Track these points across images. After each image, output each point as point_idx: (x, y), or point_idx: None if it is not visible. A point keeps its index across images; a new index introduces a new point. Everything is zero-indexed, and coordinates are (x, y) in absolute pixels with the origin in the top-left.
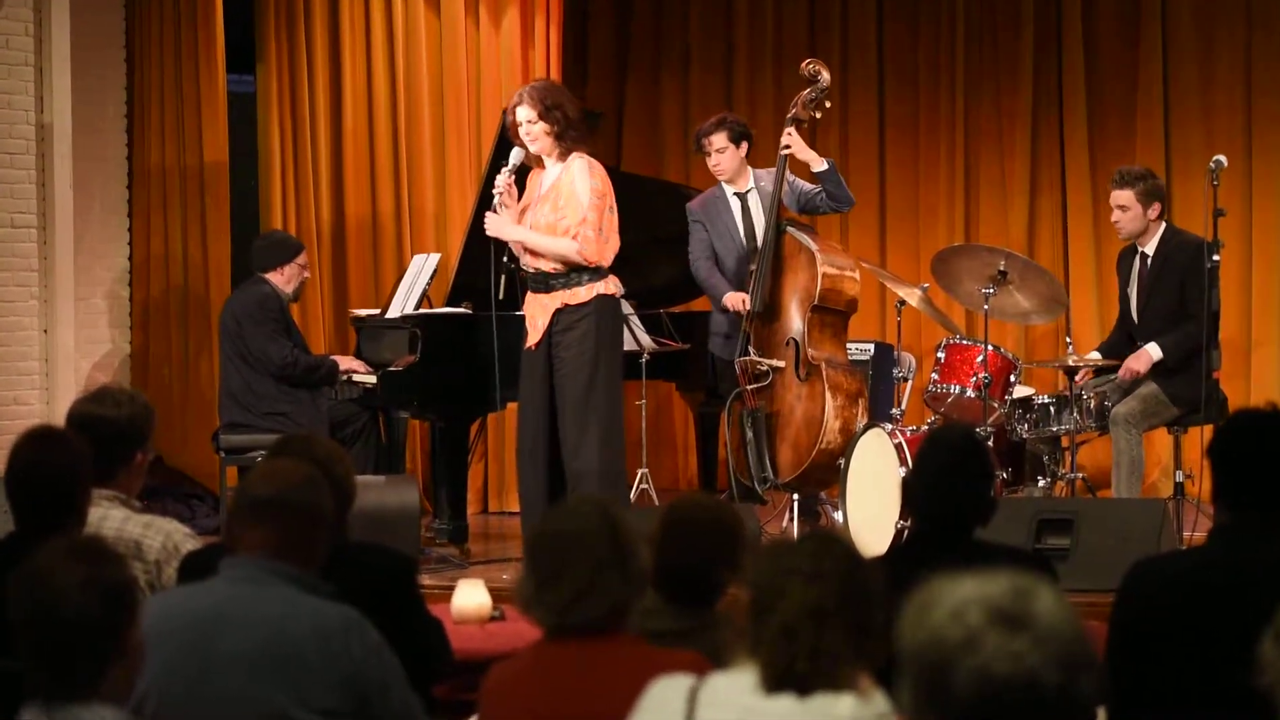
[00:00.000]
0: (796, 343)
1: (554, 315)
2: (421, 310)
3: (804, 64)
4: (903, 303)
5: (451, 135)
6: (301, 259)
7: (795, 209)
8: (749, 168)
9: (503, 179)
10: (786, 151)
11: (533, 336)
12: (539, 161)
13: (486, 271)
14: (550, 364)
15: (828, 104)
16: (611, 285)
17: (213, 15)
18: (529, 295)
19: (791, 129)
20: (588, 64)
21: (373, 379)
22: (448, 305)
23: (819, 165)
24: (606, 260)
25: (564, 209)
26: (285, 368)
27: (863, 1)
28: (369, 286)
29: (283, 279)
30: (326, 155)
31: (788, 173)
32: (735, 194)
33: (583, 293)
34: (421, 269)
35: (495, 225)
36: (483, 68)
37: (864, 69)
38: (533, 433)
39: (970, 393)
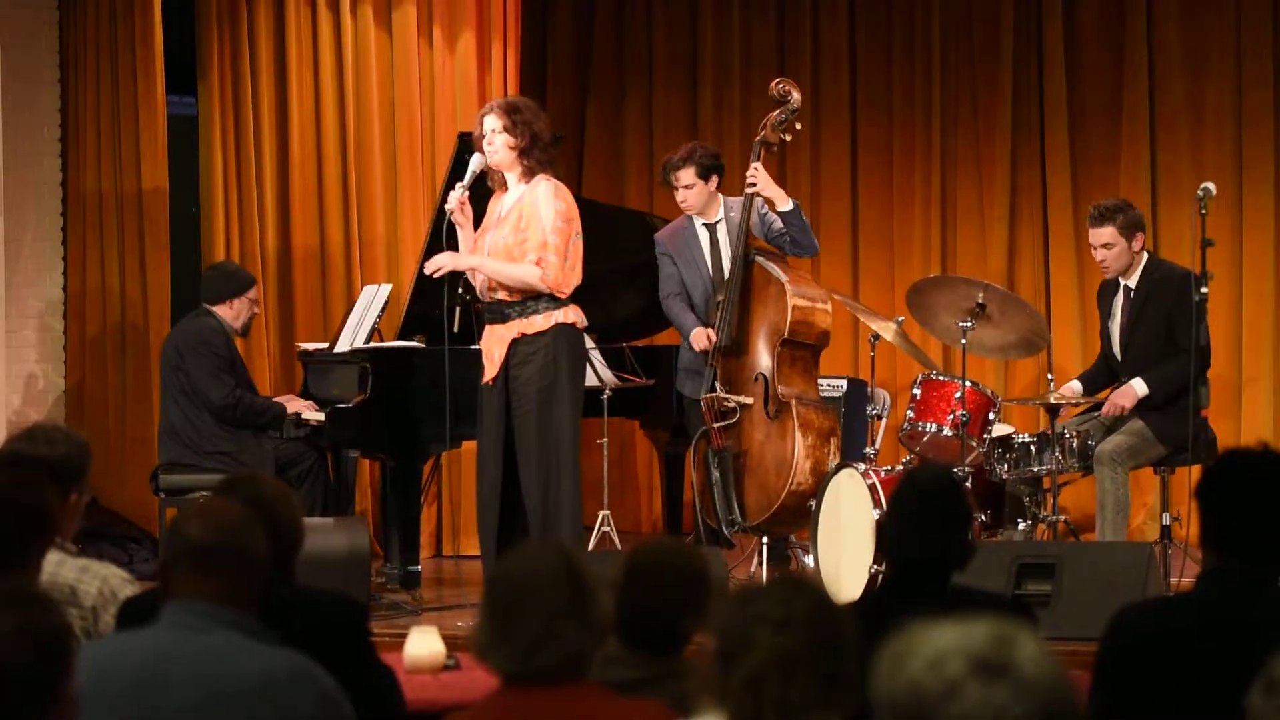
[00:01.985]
0: (765, 378)
1: (510, 346)
2: (372, 344)
3: (773, 84)
4: (877, 337)
5: (404, 160)
6: (253, 293)
7: (763, 240)
8: (720, 197)
9: (456, 194)
10: (753, 190)
11: (489, 371)
12: (501, 184)
13: (440, 303)
14: (508, 399)
15: (798, 126)
16: (572, 314)
17: (151, 34)
18: (486, 329)
19: (758, 164)
20: (547, 86)
21: (320, 416)
22: (399, 339)
23: (784, 204)
24: (569, 287)
25: (525, 231)
26: (226, 408)
27: (834, 21)
28: (317, 319)
29: (231, 313)
30: (272, 180)
31: (759, 203)
32: (704, 224)
33: (540, 321)
34: (372, 301)
35: (445, 258)
36: (436, 90)
37: (835, 91)
38: (491, 472)
39: (947, 431)
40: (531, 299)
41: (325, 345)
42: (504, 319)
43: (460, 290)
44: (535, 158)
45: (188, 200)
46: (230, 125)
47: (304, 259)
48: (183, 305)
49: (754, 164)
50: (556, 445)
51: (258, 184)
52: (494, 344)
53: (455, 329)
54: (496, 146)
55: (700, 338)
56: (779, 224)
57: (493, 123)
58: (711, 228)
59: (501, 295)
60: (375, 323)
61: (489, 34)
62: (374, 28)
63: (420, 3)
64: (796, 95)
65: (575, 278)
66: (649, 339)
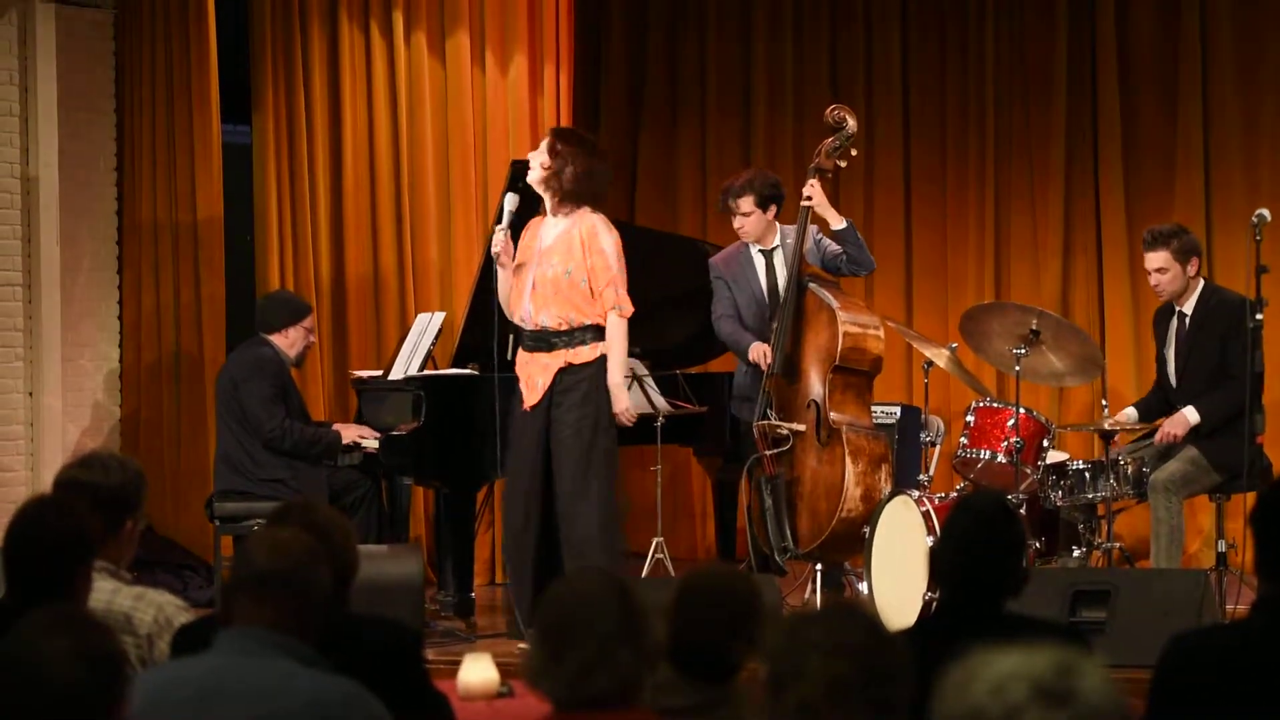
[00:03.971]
0: (817, 405)
1: (556, 375)
2: (426, 372)
3: (828, 110)
4: (930, 363)
5: (457, 187)
6: (308, 322)
7: (819, 266)
8: (777, 225)
9: (499, 239)
10: (808, 204)
11: (530, 397)
12: (540, 208)
13: (493, 331)
14: (547, 425)
15: (853, 153)
16: None
17: (206, 63)
18: (523, 355)
19: (814, 179)
20: (600, 113)
21: (375, 444)
22: (453, 366)
23: (837, 223)
24: (629, 313)
25: (573, 261)
26: (273, 439)
27: (887, 49)
28: (370, 346)
29: (286, 341)
30: (326, 208)
31: (814, 230)
32: (760, 251)
33: (586, 352)
34: (425, 328)
35: (623, 414)
36: (489, 117)
37: (889, 120)
38: (525, 498)
39: (1001, 458)
40: (579, 330)
41: (379, 373)
42: (549, 347)
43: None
44: (573, 189)
45: (242, 228)
46: (285, 153)
47: (357, 286)
48: (238, 334)
49: (810, 182)
50: (590, 472)
51: (311, 212)
52: (536, 371)
53: (509, 356)
54: (534, 167)
55: (759, 351)
56: (834, 248)
57: (541, 156)
58: (768, 254)
59: (548, 323)
60: (429, 350)
61: (541, 58)
62: (427, 54)
63: (473, 28)
64: (852, 122)
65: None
66: (702, 366)
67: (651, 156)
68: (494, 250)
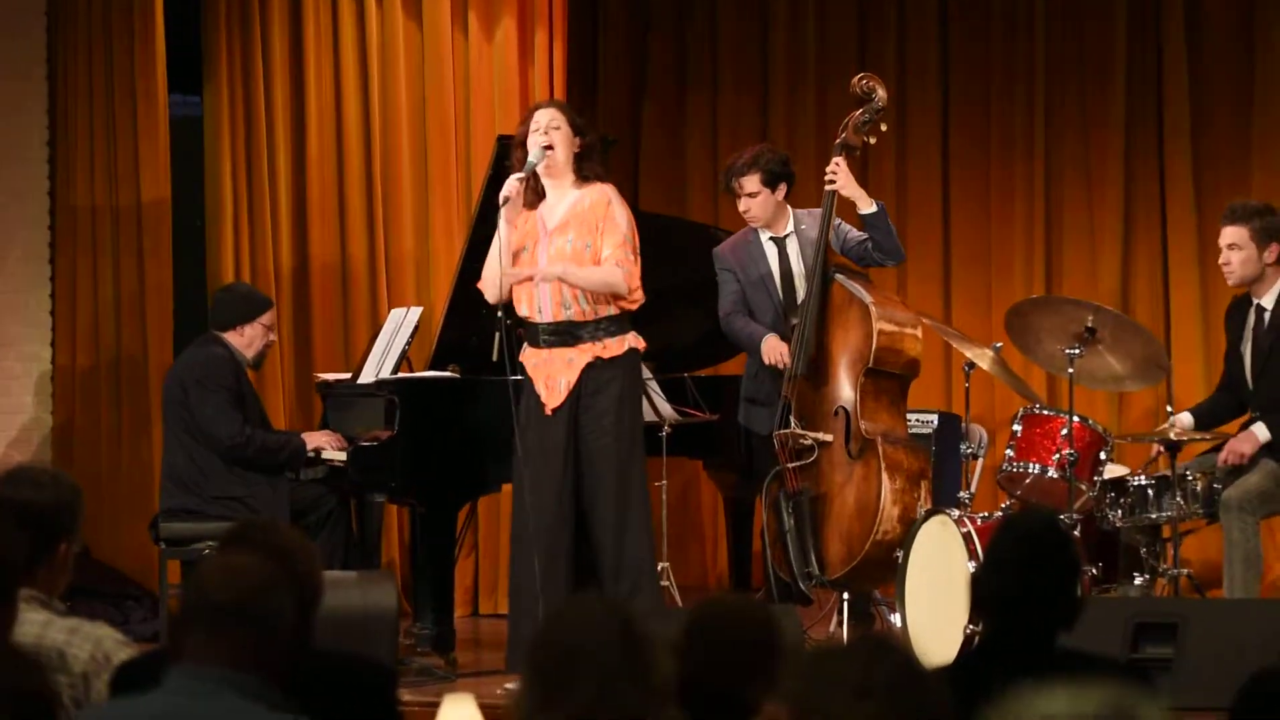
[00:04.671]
0: (847, 413)
1: (583, 373)
2: (400, 374)
3: (856, 80)
4: (972, 366)
5: (436, 166)
6: (268, 318)
7: (840, 254)
8: (789, 209)
9: (514, 182)
10: (833, 186)
11: (550, 398)
12: (535, 199)
13: (476, 328)
14: (575, 430)
15: (883, 128)
16: (638, 338)
17: (151, 27)
18: (536, 352)
19: (840, 157)
20: (598, 82)
21: (343, 456)
22: (431, 368)
23: (867, 207)
24: (641, 298)
25: (596, 234)
26: (235, 448)
27: (923, 13)
28: (337, 346)
29: (242, 340)
30: (287, 189)
31: (834, 216)
32: (771, 239)
33: (614, 344)
34: (400, 325)
35: (522, 272)
36: (472, 87)
37: (925, 89)
38: (551, 516)
39: (1052, 472)
40: (605, 319)
41: (347, 376)
42: (574, 340)
43: (500, 313)
44: (590, 169)
45: (192, 212)
46: (240, 128)
47: (323, 278)
48: (187, 332)
49: (835, 160)
50: (634, 483)
51: (271, 194)
52: (557, 369)
53: (495, 356)
54: (557, 140)
55: (773, 348)
56: (856, 234)
57: (553, 117)
58: (780, 242)
59: (572, 314)
60: (404, 350)
61: (532, 22)
62: (402, 16)
63: None
64: (882, 92)
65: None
66: (713, 368)
67: (656, 133)
68: (504, 194)
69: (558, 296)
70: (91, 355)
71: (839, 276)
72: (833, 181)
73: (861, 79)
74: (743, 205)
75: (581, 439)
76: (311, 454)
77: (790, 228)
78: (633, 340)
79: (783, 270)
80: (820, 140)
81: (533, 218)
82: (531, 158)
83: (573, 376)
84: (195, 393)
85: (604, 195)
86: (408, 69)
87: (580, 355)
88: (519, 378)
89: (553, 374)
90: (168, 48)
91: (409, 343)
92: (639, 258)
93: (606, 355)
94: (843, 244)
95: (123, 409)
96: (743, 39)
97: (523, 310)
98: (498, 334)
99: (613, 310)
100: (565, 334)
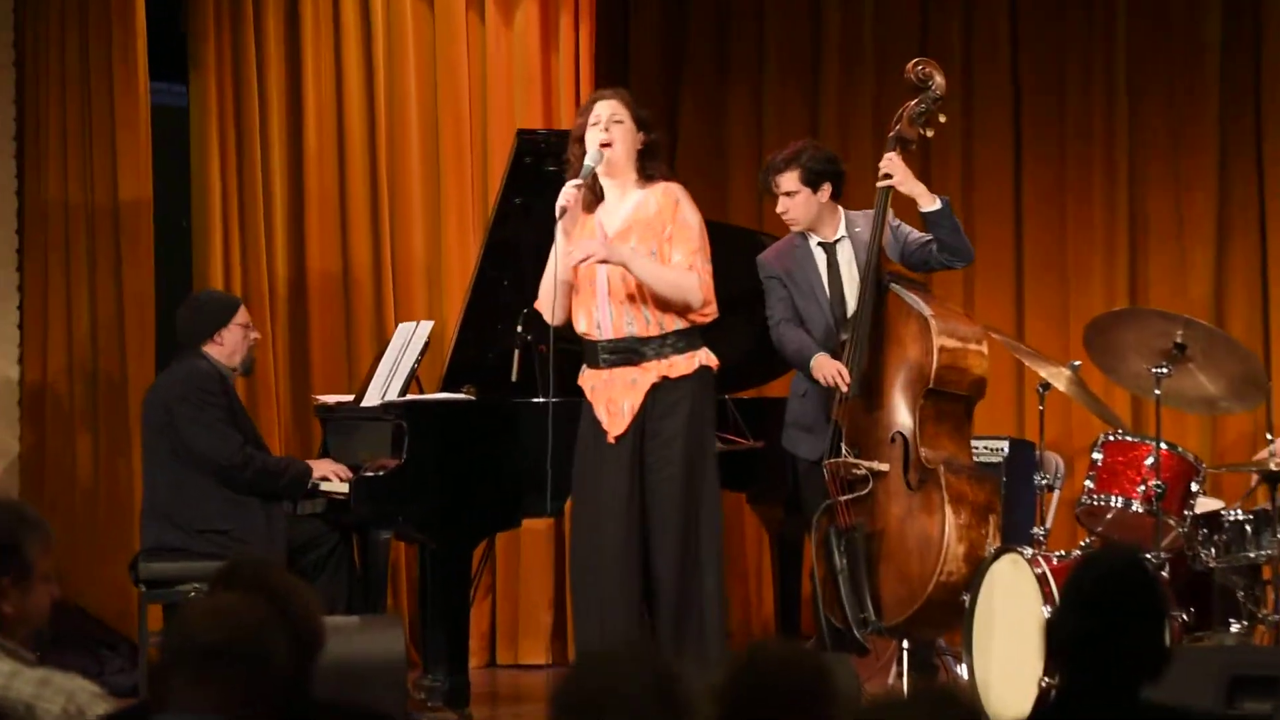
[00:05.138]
0: (905, 439)
1: (648, 395)
2: (409, 396)
3: (911, 66)
4: (1046, 386)
5: (449, 164)
6: (241, 317)
7: (898, 262)
8: (840, 210)
9: (570, 187)
10: (888, 182)
11: (612, 425)
12: (592, 200)
13: (493, 345)
14: (641, 458)
15: (942, 119)
16: (709, 354)
17: (131, 6)
18: (596, 374)
19: (894, 151)
20: (629, 71)
21: (345, 488)
22: (443, 389)
23: (929, 204)
24: (715, 311)
25: (660, 240)
26: (231, 468)
27: None
28: (339, 364)
29: (223, 350)
30: (283, 189)
31: (890, 214)
32: (820, 244)
33: (682, 363)
34: (409, 342)
35: (593, 245)
36: (489, 76)
37: (993, 77)
38: (612, 557)
39: (1137, 506)
40: (672, 335)
41: (350, 398)
42: (637, 358)
43: (520, 329)
44: (659, 162)
45: (177, 214)
46: (230, 119)
47: (323, 288)
48: (172, 347)
49: (888, 154)
50: (704, 518)
51: (264, 194)
52: (620, 392)
53: (515, 377)
54: (620, 136)
55: (827, 366)
56: (918, 235)
57: (614, 110)
58: (830, 249)
59: (636, 329)
60: (413, 369)
61: (556, 4)
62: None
63: None
64: (939, 79)
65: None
66: (758, 389)
67: (694, 128)
68: (561, 204)
69: (620, 311)
70: (64, 372)
71: (895, 286)
72: (888, 175)
73: (918, 65)
74: (780, 206)
75: (647, 469)
76: (313, 484)
77: (842, 231)
78: (704, 357)
79: (832, 279)
80: (876, 136)
81: (589, 222)
82: (589, 159)
83: (636, 400)
84: (182, 411)
85: (671, 196)
86: (417, 56)
87: (644, 375)
88: (541, 398)
89: (614, 397)
90: (149, 29)
91: (418, 361)
92: (710, 267)
93: (674, 375)
94: (902, 248)
95: (99, 433)
96: (791, 21)
97: (581, 326)
98: (517, 351)
99: (681, 324)
100: (628, 352)
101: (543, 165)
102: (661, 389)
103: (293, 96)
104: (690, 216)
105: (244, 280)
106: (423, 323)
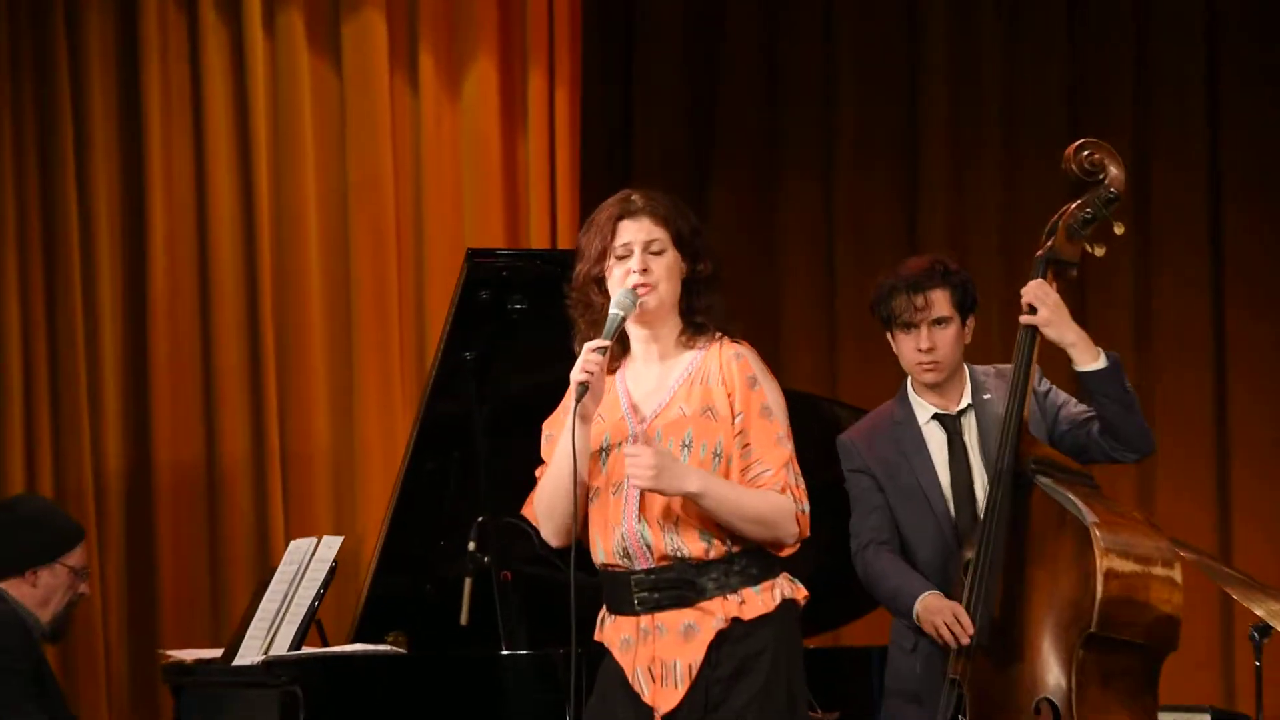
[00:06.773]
0: (1054, 708)
1: (711, 648)
2: (306, 650)
3: (1073, 151)
4: (1265, 630)
5: (365, 300)
6: (76, 558)
7: (1046, 441)
8: (965, 367)
9: (593, 353)
10: (1032, 320)
11: (660, 697)
12: (619, 351)
13: (433, 571)
14: None
15: (1118, 229)
16: (795, 585)
17: None
18: (626, 622)
19: (1047, 277)
20: (631, 161)
21: None
22: (357, 639)
23: (1089, 360)
24: (800, 540)
25: (725, 431)
26: None
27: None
28: (199, 603)
29: (35, 594)
30: (114, 343)
31: (1038, 374)
32: (937, 416)
33: (759, 599)
34: (303, 568)
35: (641, 464)
36: (425, 167)
37: (1175, 157)
38: None
39: None
40: (741, 556)
41: (217, 653)
42: (693, 595)
43: (473, 545)
44: (713, 301)
45: None
46: (34, 214)
47: (175, 488)
48: None
49: (1035, 280)
50: None
51: (87, 348)
52: (669, 648)
53: (464, 618)
54: (660, 278)
55: (939, 610)
56: (1075, 408)
57: (651, 234)
58: (951, 423)
59: (688, 551)
60: (311, 609)
61: (523, 66)
62: (306, 50)
63: (393, 9)
64: (1115, 171)
65: None
66: (832, 632)
67: (728, 238)
68: (580, 376)
69: (662, 528)
70: None
71: (1042, 480)
72: (1034, 311)
73: (1086, 149)
74: (924, 341)
75: None
76: None
77: (968, 399)
78: (786, 588)
79: (956, 470)
80: (1004, 249)
81: (608, 393)
82: (616, 306)
83: (696, 657)
84: None
85: (741, 364)
86: (317, 138)
87: (705, 620)
88: (514, 650)
89: (661, 655)
90: None
91: (319, 596)
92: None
93: (748, 615)
94: (1052, 424)
95: None
96: (865, 88)
97: (599, 556)
98: (468, 580)
99: (750, 544)
100: (678, 586)
101: (505, 301)
102: (731, 638)
103: (131, 199)
104: (772, 397)
105: (55, 476)
106: (326, 538)
